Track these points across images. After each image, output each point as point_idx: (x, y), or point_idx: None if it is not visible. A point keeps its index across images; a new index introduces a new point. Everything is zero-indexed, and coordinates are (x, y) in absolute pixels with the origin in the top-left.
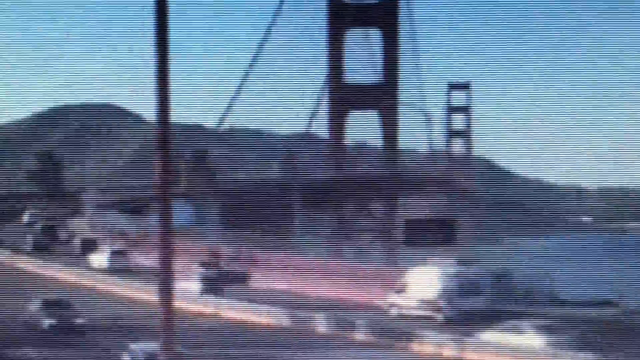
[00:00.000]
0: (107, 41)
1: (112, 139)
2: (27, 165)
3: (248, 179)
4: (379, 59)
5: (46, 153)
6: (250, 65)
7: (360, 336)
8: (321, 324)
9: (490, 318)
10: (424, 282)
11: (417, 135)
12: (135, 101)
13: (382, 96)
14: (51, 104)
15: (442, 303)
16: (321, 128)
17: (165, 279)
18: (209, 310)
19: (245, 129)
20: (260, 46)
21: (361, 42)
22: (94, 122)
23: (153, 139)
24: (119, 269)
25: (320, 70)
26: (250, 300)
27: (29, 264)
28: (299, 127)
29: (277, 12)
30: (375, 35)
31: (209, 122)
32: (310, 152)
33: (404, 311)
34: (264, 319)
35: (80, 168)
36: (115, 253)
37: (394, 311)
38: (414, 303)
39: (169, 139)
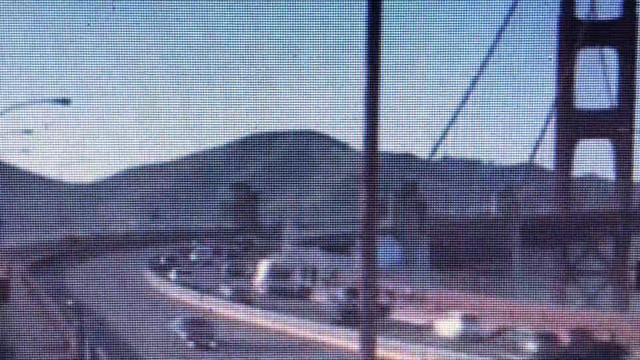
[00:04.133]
0: (308, 63)
1: (314, 169)
2: (220, 198)
3: (461, 214)
4: (613, 81)
5: (241, 184)
6: (468, 89)
7: None
8: None
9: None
10: (260, 269)
11: None
12: (340, 128)
13: (617, 123)
14: (246, 132)
15: (262, 283)
16: (546, 158)
17: (368, 327)
18: None
19: (459, 158)
20: (480, 67)
21: (594, 62)
22: (294, 150)
23: (359, 169)
24: None
25: (547, 94)
26: (462, 350)
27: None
28: (520, 157)
29: (500, 30)
30: (610, 54)
31: (420, 151)
32: (532, 185)
33: (258, 290)
34: None
35: (278, 201)
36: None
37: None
38: (256, 284)
39: (376, 169)
